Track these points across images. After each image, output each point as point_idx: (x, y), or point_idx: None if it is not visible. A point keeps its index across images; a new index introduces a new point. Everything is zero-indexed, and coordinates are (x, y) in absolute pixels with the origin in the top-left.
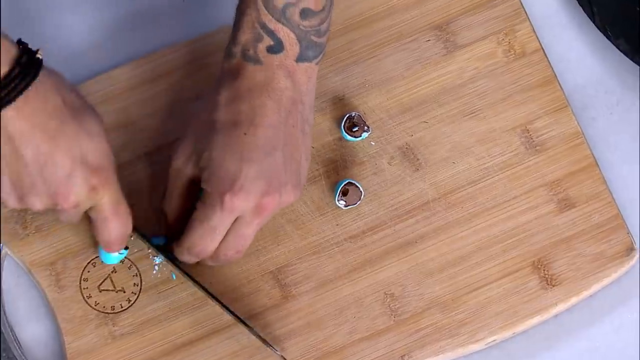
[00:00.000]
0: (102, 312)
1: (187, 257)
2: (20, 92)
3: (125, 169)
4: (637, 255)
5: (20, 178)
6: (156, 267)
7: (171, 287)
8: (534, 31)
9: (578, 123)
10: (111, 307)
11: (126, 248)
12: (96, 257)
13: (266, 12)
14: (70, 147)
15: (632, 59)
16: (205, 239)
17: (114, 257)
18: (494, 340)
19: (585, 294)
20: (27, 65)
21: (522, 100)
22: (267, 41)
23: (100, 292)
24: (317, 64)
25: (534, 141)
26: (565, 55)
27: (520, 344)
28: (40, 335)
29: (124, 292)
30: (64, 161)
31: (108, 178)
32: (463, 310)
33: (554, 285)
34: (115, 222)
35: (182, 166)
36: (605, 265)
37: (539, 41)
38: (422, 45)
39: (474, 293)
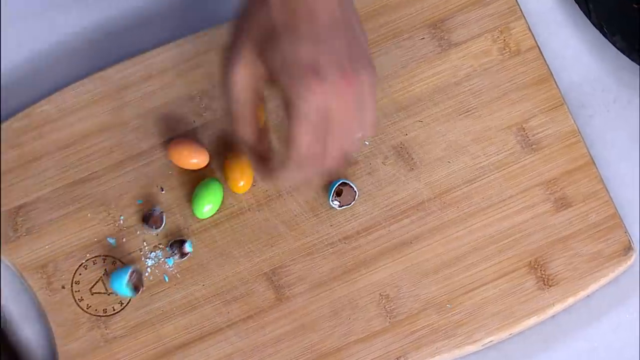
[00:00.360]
0: (94, 315)
1: (300, 176)
2: None
3: (116, 170)
4: (635, 255)
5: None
6: (148, 270)
7: (164, 290)
8: (529, 29)
9: (574, 121)
10: (103, 310)
11: (137, 288)
12: (88, 259)
13: None
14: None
15: (628, 56)
16: (311, 138)
17: (125, 290)
18: (491, 342)
19: (582, 294)
20: None
21: (517, 98)
22: None
23: (92, 294)
24: None
25: (529, 140)
26: (561, 52)
27: (517, 345)
28: (32, 338)
29: (116, 294)
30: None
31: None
32: (459, 311)
33: (550, 286)
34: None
35: (248, 76)
36: (602, 265)
37: (535, 39)
38: (416, 43)
39: (470, 294)
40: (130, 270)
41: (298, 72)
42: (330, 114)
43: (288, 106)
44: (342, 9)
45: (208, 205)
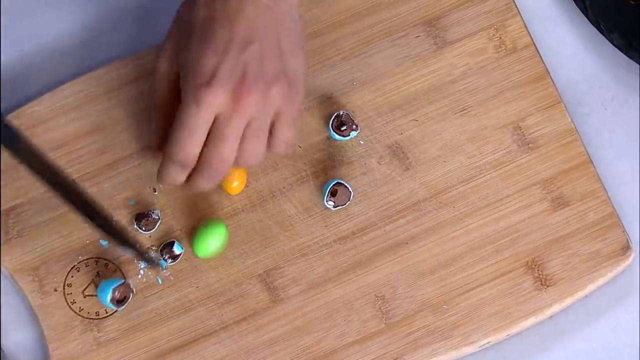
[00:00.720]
0: (87, 317)
1: (173, 171)
2: None
3: (108, 171)
4: (633, 254)
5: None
6: (141, 272)
7: (157, 292)
8: (525, 26)
9: (571, 119)
10: (96, 312)
11: (121, 302)
12: (80, 262)
13: None
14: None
15: (626, 54)
16: (186, 142)
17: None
18: (488, 343)
19: (580, 294)
20: None
21: (513, 96)
22: None
23: (84, 297)
24: None
25: (526, 138)
26: (558, 50)
27: (514, 346)
28: (24, 342)
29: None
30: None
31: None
32: (456, 312)
33: (548, 286)
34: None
35: (167, 69)
36: (600, 265)
37: (531, 36)
38: (411, 42)
39: (466, 294)
40: (114, 286)
41: (193, 79)
42: (214, 127)
43: (180, 104)
44: (266, 19)
45: (211, 243)
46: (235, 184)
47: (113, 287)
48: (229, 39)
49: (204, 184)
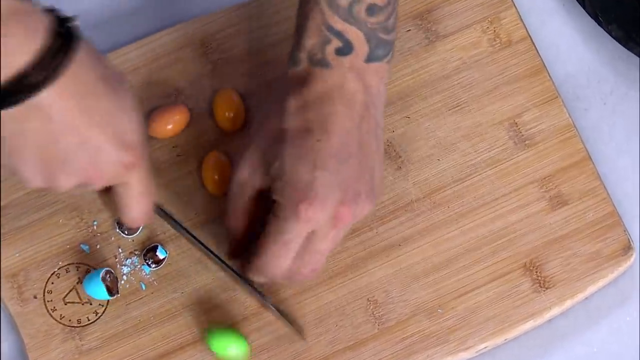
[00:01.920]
0: (68, 325)
1: (259, 279)
2: (58, 71)
3: None
4: (635, 255)
5: (51, 156)
6: (124, 277)
7: (140, 298)
8: (521, 18)
9: (569, 115)
10: (77, 320)
11: (112, 290)
12: (60, 267)
13: (331, 12)
14: (106, 123)
15: (625, 46)
16: (279, 256)
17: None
18: (485, 347)
19: (580, 296)
20: (64, 37)
21: (509, 91)
22: (336, 43)
23: (65, 304)
24: (387, 62)
25: (523, 135)
26: (555, 43)
27: (512, 351)
28: (3, 351)
29: (91, 304)
30: (98, 139)
31: (141, 155)
32: (451, 316)
33: (547, 288)
34: (143, 199)
35: (248, 178)
36: (601, 266)
37: (526, 29)
38: (402, 36)
39: (462, 298)
40: (104, 270)
41: (291, 193)
42: (310, 241)
43: (273, 217)
44: (360, 132)
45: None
46: (219, 185)
47: (101, 275)
48: (328, 153)
49: (290, 285)
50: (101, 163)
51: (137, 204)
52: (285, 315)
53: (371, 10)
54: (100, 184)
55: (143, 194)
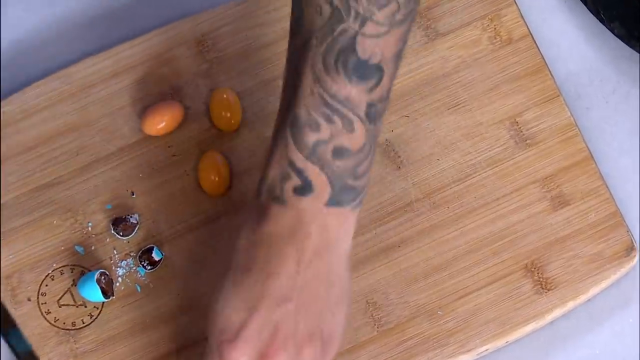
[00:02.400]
0: (63, 328)
1: None
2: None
3: (83, 173)
4: (638, 255)
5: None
6: (119, 279)
7: (136, 300)
8: (522, 16)
9: (571, 114)
10: (72, 323)
11: (108, 292)
12: (54, 269)
13: (295, 148)
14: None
15: (628, 44)
16: None
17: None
18: (486, 350)
19: (582, 298)
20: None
21: (510, 90)
22: (295, 181)
23: (59, 307)
24: (352, 209)
25: (523, 134)
26: (556, 41)
27: (514, 353)
28: None
29: (85, 306)
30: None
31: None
32: (452, 319)
33: (548, 290)
34: None
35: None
36: (603, 267)
37: (527, 26)
38: None
39: (462, 300)
40: (99, 272)
41: (219, 332)
42: None
43: (203, 355)
44: (305, 277)
45: None
46: (217, 184)
47: (96, 277)
48: (262, 295)
49: None
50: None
51: None
52: None
53: (339, 153)
54: None
55: None
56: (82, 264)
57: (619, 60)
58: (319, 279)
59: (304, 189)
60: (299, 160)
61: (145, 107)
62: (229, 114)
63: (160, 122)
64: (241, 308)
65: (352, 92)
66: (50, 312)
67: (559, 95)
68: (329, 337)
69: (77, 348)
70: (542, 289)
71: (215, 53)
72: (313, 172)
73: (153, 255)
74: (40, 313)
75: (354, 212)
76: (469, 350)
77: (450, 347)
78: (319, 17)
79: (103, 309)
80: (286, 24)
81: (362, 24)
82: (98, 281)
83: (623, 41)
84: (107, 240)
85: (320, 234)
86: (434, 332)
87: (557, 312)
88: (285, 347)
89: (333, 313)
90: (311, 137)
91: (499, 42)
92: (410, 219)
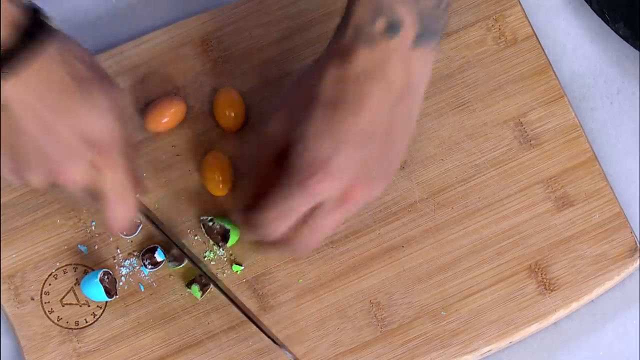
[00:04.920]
0: (66, 327)
1: (254, 235)
2: (24, 64)
3: None
4: None
5: (18, 151)
6: (123, 279)
7: (139, 300)
8: (526, 16)
9: (575, 114)
10: (75, 322)
11: (111, 291)
12: (57, 269)
13: None
14: (73, 121)
15: (632, 45)
16: (278, 220)
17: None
18: (489, 351)
19: (586, 298)
20: (33, 31)
21: (514, 91)
22: (384, 20)
23: (62, 306)
24: (432, 49)
25: (528, 135)
26: (561, 41)
27: (517, 354)
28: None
29: (89, 305)
30: (64, 135)
31: (111, 158)
32: (455, 319)
33: (552, 290)
34: (118, 207)
35: (277, 133)
36: (607, 268)
37: (532, 27)
38: None
39: (466, 300)
40: (102, 271)
41: (306, 162)
42: (314, 214)
43: (284, 179)
44: (392, 116)
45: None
46: (221, 185)
47: (99, 276)
48: (351, 130)
49: (283, 253)
50: (67, 161)
51: (113, 210)
52: (266, 329)
53: None
54: (71, 184)
55: (116, 202)
56: (85, 263)
57: (623, 61)
58: (403, 119)
59: (393, 27)
60: None
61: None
62: (233, 114)
63: (163, 118)
64: (330, 140)
65: None
66: (53, 311)
67: (563, 96)
68: (393, 173)
69: (80, 347)
70: (546, 289)
71: (219, 52)
72: (403, 10)
73: (156, 255)
74: (43, 312)
75: (433, 53)
76: (472, 351)
77: (454, 347)
78: None
79: (106, 308)
80: (290, 24)
81: None
82: (101, 280)
83: (628, 42)
84: (111, 239)
85: (406, 75)
86: (437, 332)
87: (561, 313)
88: (366, 186)
89: (403, 153)
90: None
91: (504, 43)
92: (414, 219)
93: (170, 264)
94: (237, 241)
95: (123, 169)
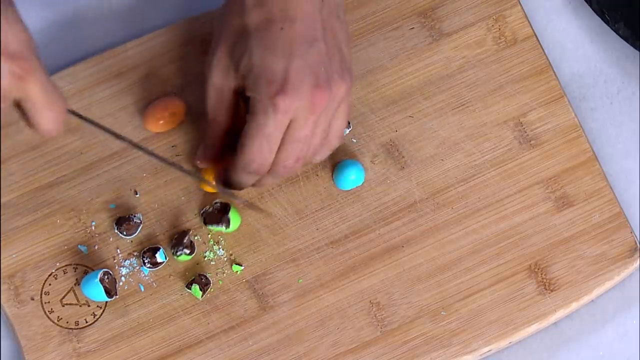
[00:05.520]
0: (66, 327)
1: (245, 178)
2: None
3: (87, 173)
4: None
5: None
6: (123, 279)
7: (139, 300)
8: (526, 16)
9: (575, 114)
10: (75, 322)
11: (111, 291)
12: (58, 268)
13: None
14: None
15: (632, 45)
16: (262, 150)
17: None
18: (489, 351)
19: (586, 298)
20: None
21: (514, 91)
22: None
23: (63, 306)
24: None
25: (528, 135)
26: (560, 41)
27: (517, 354)
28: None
29: (89, 306)
30: None
31: (32, 66)
32: (455, 319)
33: (552, 290)
34: (49, 110)
35: (222, 80)
36: (607, 268)
37: (532, 27)
38: (405, 34)
39: (466, 300)
40: (102, 271)
41: (264, 86)
42: (290, 131)
43: (250, 113)
44: (322, 14)
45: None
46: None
47: (99, 276)
48: (294, 39)
49: (276, 181)
50: None
51: (43, 116)
52: (251, 204)
53: None
54: None
55: (46, 105)
56: (85, 263)
57: (623, 61)
58: (332, 15)
59: None
60: None
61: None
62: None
63: (162, 118)
64: (278, 56)
65: None
66: (53, 311)
67: (563, 96)
68: (350, 66)
69: (80, 347)
70: (546, 289)
71: None
72: None
73: (157, 256)
74: (43, 312)
75: None
76: (472, 351)
77: (454, 347)
78: None
79: (106, 308)
80: None
81: None
82: (101, 280)
83: (628, 42)
84: (111, 239)
85: None
86: (437, 332)
87: (561, 313)
88: (327, 86)
89: (347, 44)
90: None
91: (504, 43)
92: (414, 219)
93: (178, 256)
94: (239, 225)
95: (44, 75)
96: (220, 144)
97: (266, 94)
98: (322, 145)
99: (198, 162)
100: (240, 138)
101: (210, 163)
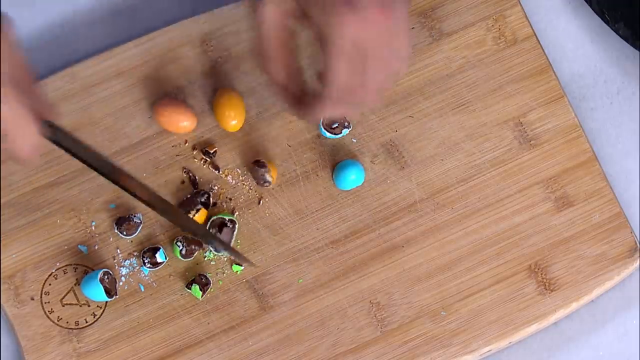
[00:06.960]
0: (66, 327)
1: (337, 109)
2: None
3: (86, 173)
4: None
5: None
6: (123, 279)
7: (139, 300)
8: (526, 16)
9: (575, 115)
10: (75, 322)
11: (111, 291)
12: (58, 269)
13: None
14: None
15: (632, 45)
16: (340, 69)
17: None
18: (489, 351)
19: (586, 298)
20: None
21: (514, 91)
22: None
23: (63, 306)
24: None
25: (528, 135)
26: (560, 41)
27: (517, 354)
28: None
29: (89, 305)
30: None
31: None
32: (455, 319)
33: (552, 290)
34: (18, 136)
35: (276, 12)
36: (607, 268)
37: (532, 27)
38: None
39: (466, 300)
40: (102, 271)
41: (331, 4)
42: (366, 46)
43: (322, 40)
44: None
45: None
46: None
47: (99, 276)
48: None
49: (356, 112)
50: None
51: (14, 141)
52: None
53: None
54: None
55: (17, 130)
56: (85, 264)
57: (623, 61)
58: None
59: None
60: None
61: (151, 105)
62: (232, 114)
63: (172, 126)
64: None
65: None
66: (53, 311)
67: (563, 96)
68: None
69: (80, 347)
70: (546, 289)
71: (219, 53)
72: None
73: (157, 256)
74: (43, 312)
75: None
76: (472, 351)
77: (454, 347)
78: None
79: (106, 308)
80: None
81: None
82: (101, 280)
83: (628, 42)
84: (111, 239)
85: None
86: (437, 332)
87: (561, 313)
88: (392, 5)
89: None
90: None
91: (504, 43)
92: (414, 219)
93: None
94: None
95: (14, 99)
96: (285, 80)
97: (334, 10)
98: (393, 71)
99: (309, 120)
100: (323, 70)
101: (300, 108)
